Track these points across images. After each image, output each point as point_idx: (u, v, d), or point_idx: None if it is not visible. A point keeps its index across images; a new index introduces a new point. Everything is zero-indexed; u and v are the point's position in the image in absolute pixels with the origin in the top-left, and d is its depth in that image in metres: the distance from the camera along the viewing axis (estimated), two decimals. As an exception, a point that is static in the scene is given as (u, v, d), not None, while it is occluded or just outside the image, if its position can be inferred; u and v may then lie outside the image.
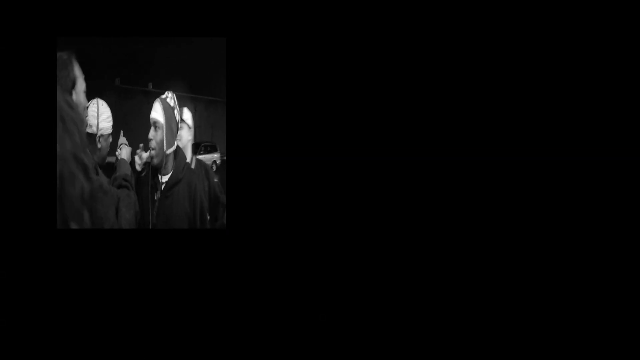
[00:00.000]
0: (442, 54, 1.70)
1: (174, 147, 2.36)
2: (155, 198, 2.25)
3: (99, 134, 2.20)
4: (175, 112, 2.31)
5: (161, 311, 1.66)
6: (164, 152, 2.27)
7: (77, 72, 1.75)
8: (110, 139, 2.33)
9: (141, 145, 2.38)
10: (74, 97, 1.68)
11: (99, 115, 2.16)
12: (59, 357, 1.61)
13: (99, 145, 2.21)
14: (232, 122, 1.70)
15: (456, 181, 1.70)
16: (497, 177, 1.70)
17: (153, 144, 2.25)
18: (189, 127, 2.49)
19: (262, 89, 1.70)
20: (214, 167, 10.60)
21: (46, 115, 1.60)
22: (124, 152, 2.25)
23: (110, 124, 2.27)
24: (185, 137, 2.51)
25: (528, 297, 1.68)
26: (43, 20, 1.61)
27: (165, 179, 2.27)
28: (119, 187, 2.07)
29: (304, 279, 1.69)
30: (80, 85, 1.79)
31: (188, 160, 2.29)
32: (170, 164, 2.29)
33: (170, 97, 2.33)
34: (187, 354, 1.66)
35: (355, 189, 1.74)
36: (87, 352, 1.62)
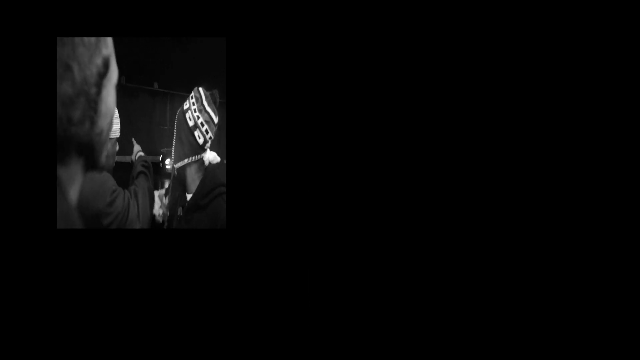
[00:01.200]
0: (444, 56, 1.69)
1: (186, 161, 2.00)
2: (178, 214, 1.98)
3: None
4: (190, 114, 1.85)
5: (161, 311, 1.66)
6: (174, 166, 2.02)
7: (111, 47, 1.08)
8: (117, 146, 2.02)
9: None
10: (103, 92, 1.02)
11: None
12: (59, 357, 1.62)
13: (104, 153, 1.88)
14: (232, 122, 1.70)
15: (460, 184, 1.69)
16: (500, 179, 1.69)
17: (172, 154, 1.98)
18: None
19: (262, 89, 1.70)
20: None
21: (46, 116, 1.60)
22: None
23: (119, 126, 1.95)
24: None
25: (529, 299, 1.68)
26: (43, 20, 1.61)
27: (189, 197, 1.94)
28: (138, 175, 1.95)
29: (303, 279, 1.69)
30: (114, 73, 1.08)
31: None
32: (192, 181, 1.92)
33: (192, 97, 1.93)
34: (187, 354, 1.66)
35: (356, 189, 1.73)
36: (87, 352, 1.63)
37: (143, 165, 2.06)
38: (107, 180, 1.84)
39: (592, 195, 1.66)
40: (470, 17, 1.68)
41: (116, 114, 1.84)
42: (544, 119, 1.68)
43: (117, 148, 2.03)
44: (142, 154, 2.16)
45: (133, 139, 2.18)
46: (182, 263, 1.68)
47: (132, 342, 1.65)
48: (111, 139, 1.90)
